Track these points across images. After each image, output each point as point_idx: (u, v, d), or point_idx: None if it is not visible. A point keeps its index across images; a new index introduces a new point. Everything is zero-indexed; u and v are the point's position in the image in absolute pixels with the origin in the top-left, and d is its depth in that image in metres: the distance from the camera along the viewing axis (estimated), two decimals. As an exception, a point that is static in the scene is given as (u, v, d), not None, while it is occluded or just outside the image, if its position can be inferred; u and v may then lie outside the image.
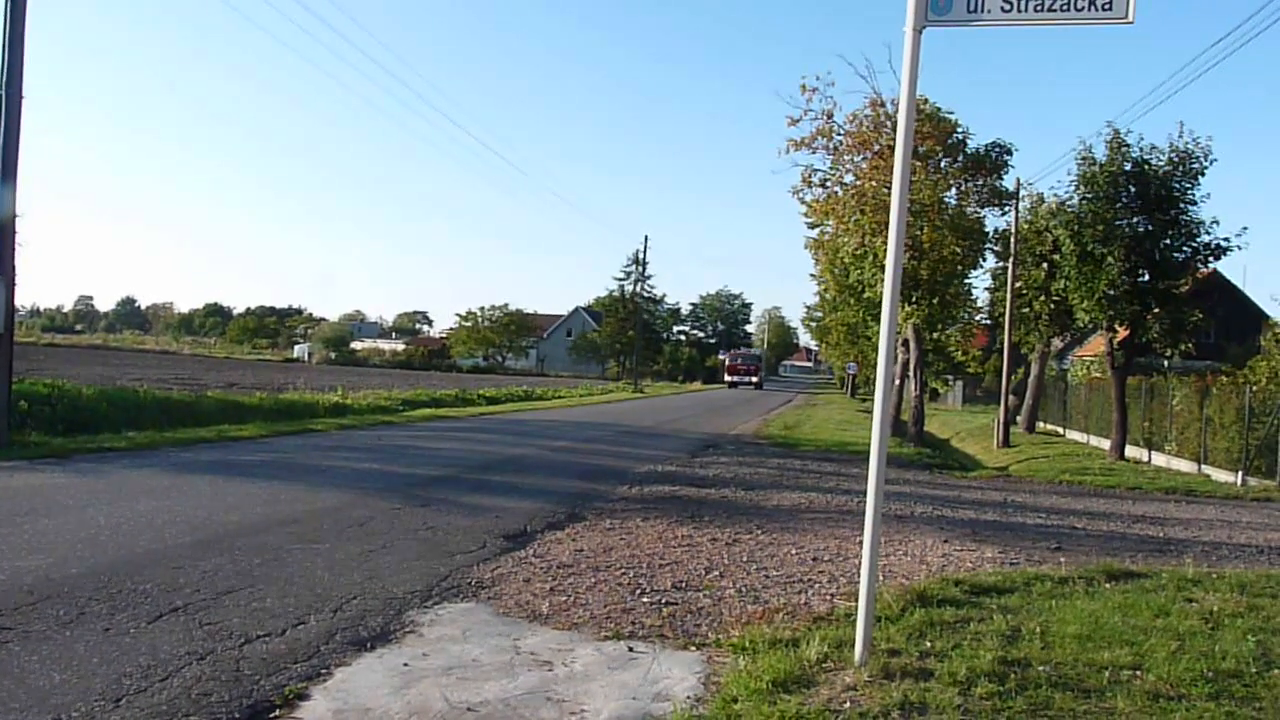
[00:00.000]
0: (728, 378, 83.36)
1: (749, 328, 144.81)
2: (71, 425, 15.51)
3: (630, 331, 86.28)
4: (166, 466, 12.53)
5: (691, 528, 10.09)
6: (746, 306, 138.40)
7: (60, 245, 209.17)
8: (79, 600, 6.02)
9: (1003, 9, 5.22)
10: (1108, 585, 7.70)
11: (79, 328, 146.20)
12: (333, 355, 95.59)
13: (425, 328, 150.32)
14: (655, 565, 8.11)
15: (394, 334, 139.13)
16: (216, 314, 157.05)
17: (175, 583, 6.58)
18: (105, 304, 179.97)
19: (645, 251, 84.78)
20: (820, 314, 58.04)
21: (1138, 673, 5.28)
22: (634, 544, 9.05)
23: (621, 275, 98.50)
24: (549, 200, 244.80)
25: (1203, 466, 21.67)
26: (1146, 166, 22.66)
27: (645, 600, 6.89)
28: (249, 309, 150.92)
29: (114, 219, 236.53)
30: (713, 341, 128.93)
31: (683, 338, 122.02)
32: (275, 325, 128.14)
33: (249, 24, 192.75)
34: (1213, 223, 22.87)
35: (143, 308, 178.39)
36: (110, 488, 10.53)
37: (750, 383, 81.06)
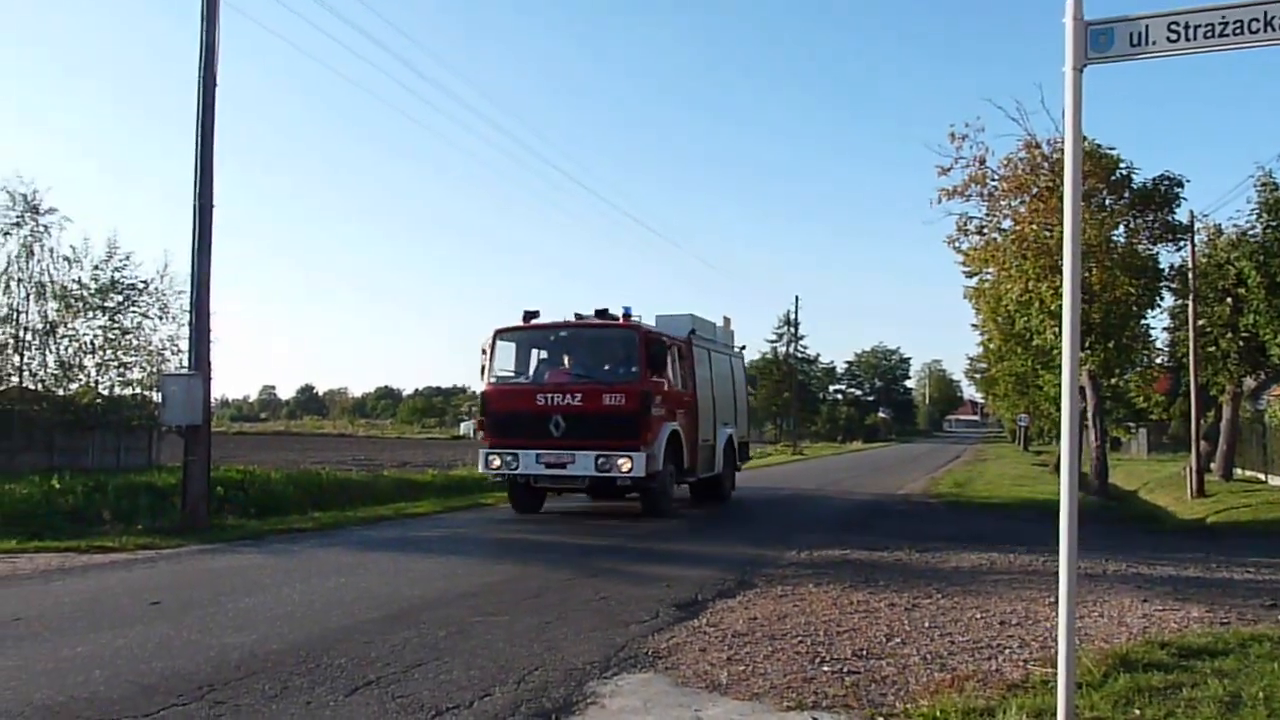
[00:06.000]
0: (488, 452, 16.30)
1: (909, 383, 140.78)
2: (263, 508, 16.52)
3: (786, 393, 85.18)
4: (351, 544, 13.13)
5: (867, 592, 9.80)
6: (905, 361, 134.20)
7: (245, 339, 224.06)
8: (281, 675, 6.34)
9: (1169, 39, 4.97)
10: (1338, 645, 7.01)
11: (263, 415, 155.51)
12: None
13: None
14: (833, 632, 7.89)
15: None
16: (387, 396, 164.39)
17: (367, 656, 6.84)
18: (286, 392, 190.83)
19: (796, 311, 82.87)
20: (984, 365, 55.81)
21: (1386, 743, 4.77)
22: (808, 610, 8.85)
23: (774, 337, 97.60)
24: (696, 265, 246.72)
25: None
26: (1336, 187, 21.08)
27: (826, 669, 6.70)
28: (417, 390, 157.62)
29: (293, 311, 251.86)
30: (870, 399, 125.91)
31: (839, 396, 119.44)
32: (442, 404, 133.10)
33: (405, 116, 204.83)
34: None
35: (320, 394, 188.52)
36: (301, 566, 11.10)
37: (617, 479, 15.54)
